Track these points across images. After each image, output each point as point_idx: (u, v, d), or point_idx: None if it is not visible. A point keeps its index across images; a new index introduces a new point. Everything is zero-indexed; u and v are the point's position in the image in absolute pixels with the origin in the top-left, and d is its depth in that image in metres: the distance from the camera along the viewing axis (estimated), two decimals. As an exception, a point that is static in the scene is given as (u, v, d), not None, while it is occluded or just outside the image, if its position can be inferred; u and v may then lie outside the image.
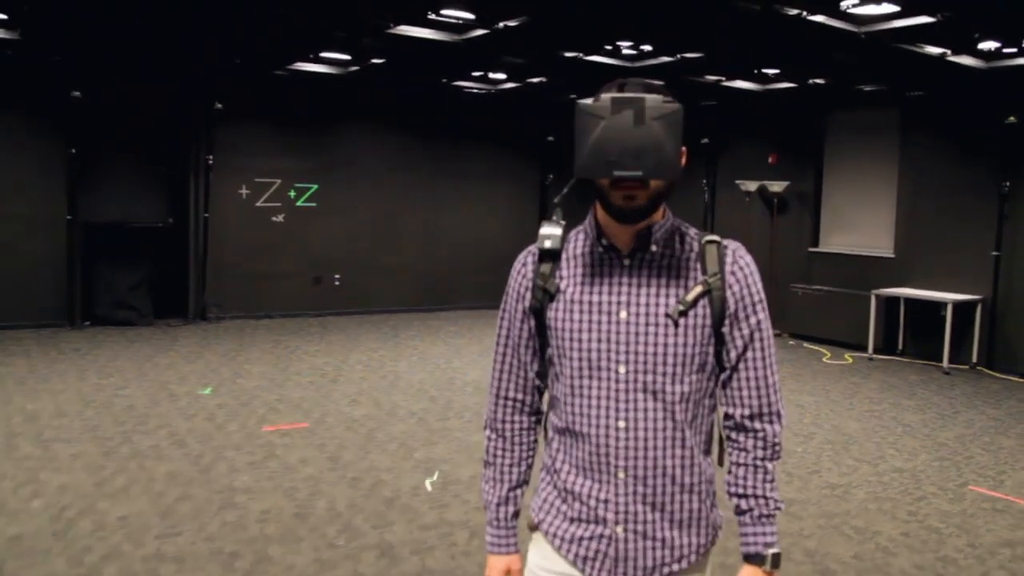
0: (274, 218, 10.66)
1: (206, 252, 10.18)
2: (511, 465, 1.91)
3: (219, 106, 9.95)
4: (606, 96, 1.60)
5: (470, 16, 6.74)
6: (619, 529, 1.76)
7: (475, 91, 11.01)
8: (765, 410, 1.79)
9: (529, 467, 1.93)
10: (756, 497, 1.77)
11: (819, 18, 6.15)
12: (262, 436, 5.82)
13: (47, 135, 9.43)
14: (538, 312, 1.80)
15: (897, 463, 5.68)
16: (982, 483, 5.32)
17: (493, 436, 1.92)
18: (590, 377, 1.75)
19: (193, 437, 5.73)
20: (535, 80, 9.90)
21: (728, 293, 1.74)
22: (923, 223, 9.43)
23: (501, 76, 10.07)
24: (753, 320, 1.76)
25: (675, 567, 1.77)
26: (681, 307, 1.71)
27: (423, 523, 4.43)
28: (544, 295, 1.79)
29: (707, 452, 1.82)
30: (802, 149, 10.56)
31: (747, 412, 1.79)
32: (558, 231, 1.79)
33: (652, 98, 1.58)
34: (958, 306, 8.74)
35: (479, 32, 7.15)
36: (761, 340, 1.78)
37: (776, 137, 10.78)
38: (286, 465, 5.25)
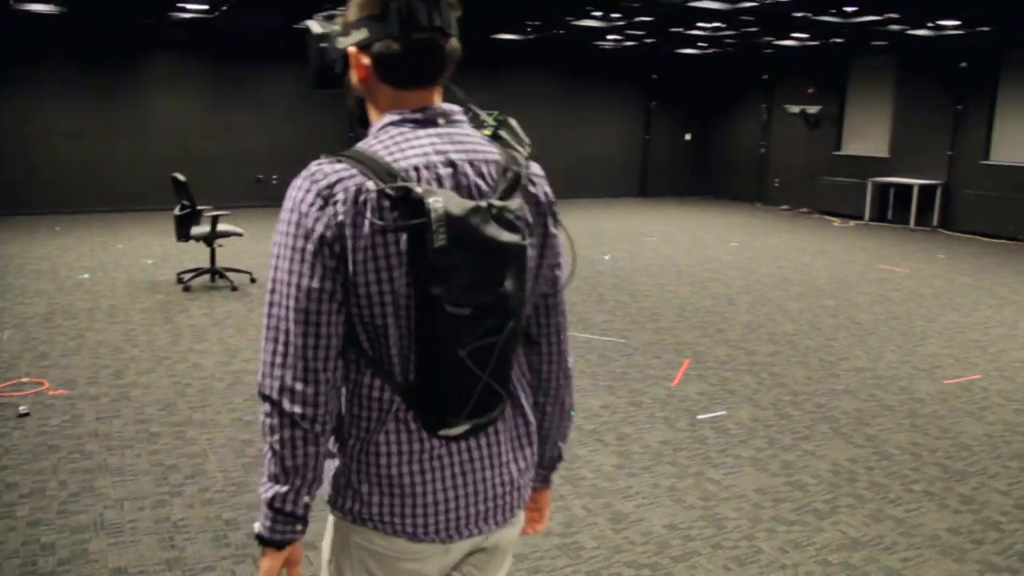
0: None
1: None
2: None
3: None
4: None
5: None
6: None
7: (604, 47, 15.96)
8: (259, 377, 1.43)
9: None
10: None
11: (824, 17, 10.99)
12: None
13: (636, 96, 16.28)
14: None
15: (822, 256, 10.72)
16: (884, 264, 10.35)
17: None
18: None
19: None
20: (648, 40, 14.81)
21: None
22: (906, 134, 14.17)
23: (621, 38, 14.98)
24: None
25: None
26: None
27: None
28: None
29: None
30: (831, 83, 15.30)
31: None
32: None
33: (313, 23, 1.58)
34: (923, 188, 13.55)
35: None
36: (266, 294, 1.42)
37: (816, 76, 15.51)
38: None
